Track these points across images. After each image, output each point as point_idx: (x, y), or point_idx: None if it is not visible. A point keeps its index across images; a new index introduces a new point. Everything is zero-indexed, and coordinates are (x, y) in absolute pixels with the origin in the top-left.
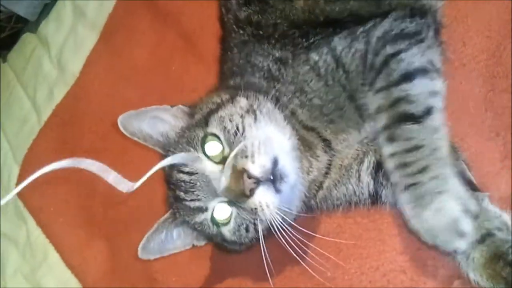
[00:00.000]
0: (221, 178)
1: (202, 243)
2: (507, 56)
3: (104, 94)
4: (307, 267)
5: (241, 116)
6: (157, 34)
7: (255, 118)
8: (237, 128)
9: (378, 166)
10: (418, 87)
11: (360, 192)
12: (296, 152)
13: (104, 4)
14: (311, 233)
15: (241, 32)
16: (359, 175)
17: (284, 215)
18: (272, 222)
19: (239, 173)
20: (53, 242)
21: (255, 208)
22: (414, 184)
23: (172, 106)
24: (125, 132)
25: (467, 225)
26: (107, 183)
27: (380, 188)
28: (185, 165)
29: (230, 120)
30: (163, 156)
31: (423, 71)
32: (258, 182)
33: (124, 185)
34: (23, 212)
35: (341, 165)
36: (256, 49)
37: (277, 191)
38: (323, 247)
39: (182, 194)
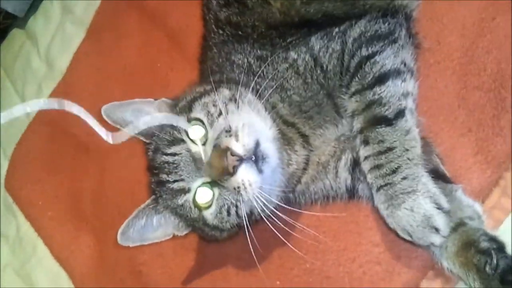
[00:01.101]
0: (205, 153)
1: (183, 232)
2: (479, 55)
3: (91, 90)
4: (294, 250)
5: (224, 103)
6: (143, 32)
7: (238, 106)
8: (221, 112)
9: (355, 163)
10: (391, 89)
11: (338, 187)
12: (277, 142)
13: (91, 2)
14: (292, 221)
15: (221, 32)
16: (337, 171)
17: (266, 200)
18: (254, 204)
19: (223, 152)
20: (41, 236)
21: (238, 187)
22: (386, 184)
23: (155, 99)
24: (108, 120)
25: (440, 220)
26: (94, 180)
27: (357, 183)
28: (169, 146)
29: (214, 106)
30: (145, 144)
31: (396, 73)
32: (241, 160)
33: (103, 134)
34: (12, 206)
35: (318, 161)
36: (236, 48)
37: (260, 171)
38: (301, 240)
39: (165, 176)
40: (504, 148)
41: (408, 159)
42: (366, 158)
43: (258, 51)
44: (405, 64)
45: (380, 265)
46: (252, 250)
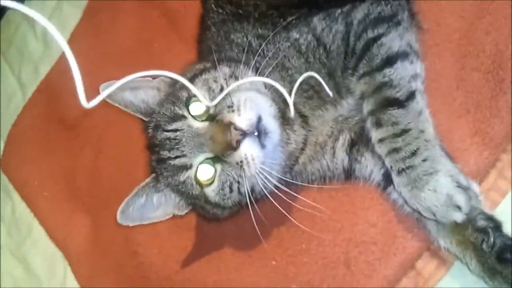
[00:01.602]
0: (208, 128)
1: (183, 211)
2: (478, 36)
3: (88, 70)
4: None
5: (225, 79)
6: (140, 12)
7: None
8: (222, 88)
9: (353, 143)
10: (400, 71)
11: (335, 167)
12: (277, 119)
13: None
14: (289, 201)
15: (220, 11)
16: (334, 152)
17: (267, 177)
18: (257, 180)
19: (226, 126)
20: (37, 216)
21: (241, 162)
22: (408, 168)
23: (154, 78)
24: (106, 98)
25: (462, 199)
26: (89, 160)
27: (354, 164)
28: (170, 122)
29: (215, 82)
30: (145, 122)
31: (403, 55)
32: (244, 134)
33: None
34: (8, 188)
35: (315, 142)
36: (236, 27)
37: (262, 146)
38: (298, 220)
39: (166, 153)
40: (501, 129)
41: (425, 140)
42: (381, 140)
43: (259, 30)
44: (410, 46)
45: (376, 245)
46: (256, 227)
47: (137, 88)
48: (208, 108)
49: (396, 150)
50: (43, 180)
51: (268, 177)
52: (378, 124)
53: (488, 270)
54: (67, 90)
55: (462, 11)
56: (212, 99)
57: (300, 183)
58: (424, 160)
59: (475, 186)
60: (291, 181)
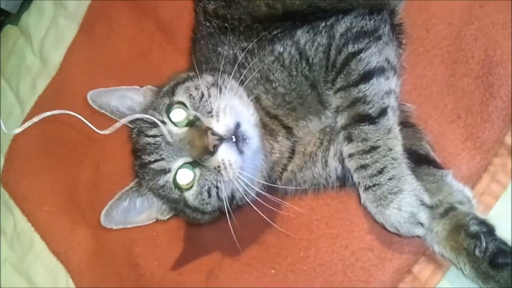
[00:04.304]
0: (187, 134)
1: (166, 216)
2: (467, 42)
3: (85, 84)
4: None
5: (207, 88)
6: (135, 25)
7: (220, 91)
8: (202, 95)
9: None
10: (375, 87)
11: (328, 175)
12: (258, 129)
13: None
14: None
15: (208, 24)
16: (326, 161)
17: (248, 183)
18: (236, 186)
19: (204, 131)
20: (38, 230)
21: (218, 166)
22: (374, 185)
23: (141, 87)
24: (93, 105)
25: (424, 216)
26: (90, 173)
27: (348, 172)
28: (151, 128)
29: (196, 89)
30: (131, 129)
31: (380, 71)
32: (221, 140)
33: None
34: (10, 203)
35: (304, 151)
36: (222, 40)
37: (240, 151)
38: (295, 228)
39: (147, 157)
40: (492, 133)
41: (393, 158)
42: (350, 156)
43: (244, 43)
44: (388, 62)
45: (372, 252)
46: (234, 235)
47: (124, 96)
48: (188, 115)
49: (364, 167)
50: (43, 195)
51: (249, 183)
52: (349, 139)
53: (482, 275)
54: (64, 105)
55: (451, 18)
56: (192, 106)
57: (293, 189)
58: (390, 179)
59: (467, 191)
60: (282, 186)
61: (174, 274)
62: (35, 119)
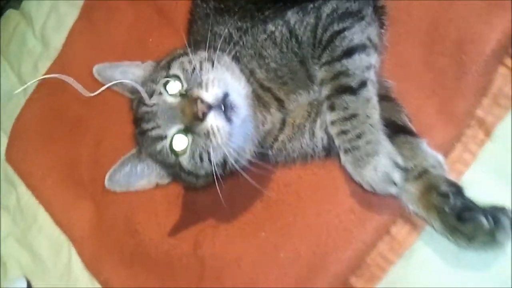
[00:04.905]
0: (180, 103)
1: (165, 181)
2: (443, 24)
3: (85, 66)
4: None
5: (200, 62)
6: (134, 10)
7: (213, 65)
8: (194, 68)
9: None
10: (357, 62)
11: (314, 145)
12: (249, 100)
13: None
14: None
15: (204, 5)
16: (313, 132)
17: (238, 150)
18: (225, 151)
19: (194, 100)
20: (42, 204)
21: (208, 132)
22: (353, 148)
23: (142, 62)
24: (98, 78)
25: (397, 176)
26: (90, 150)
27: (332, 142)
28: (149, 98)
29: (190, 63)
30: (131, 99)
31: (362, 47)
32: (210, 108)
33: (82, 91)
34: (12, 179)
35: (293, 123)
36: (218, 20)
37: (228, 119)
38: (285, 195)
39: (145, 125)
40: (464, 107)
41: (370, 125)
42: (332, 123)
43: (238, 22)
44: (370, 40)
45: (354, 214)
46: (225, 201)
47: (126, 71)
48: (182, 86)
49: (344, 132)
50: (46, 170)
51: (238, 150)
52: (332, 108)
53: (450, 228)
54: (66, 86)
55: (431, 3)
56: (186, 79)
57: (283, 159)
58: (368, 143)
59: (440, 157)
60: (272, 154)
61: (171, 239)
62: (32, 81)
